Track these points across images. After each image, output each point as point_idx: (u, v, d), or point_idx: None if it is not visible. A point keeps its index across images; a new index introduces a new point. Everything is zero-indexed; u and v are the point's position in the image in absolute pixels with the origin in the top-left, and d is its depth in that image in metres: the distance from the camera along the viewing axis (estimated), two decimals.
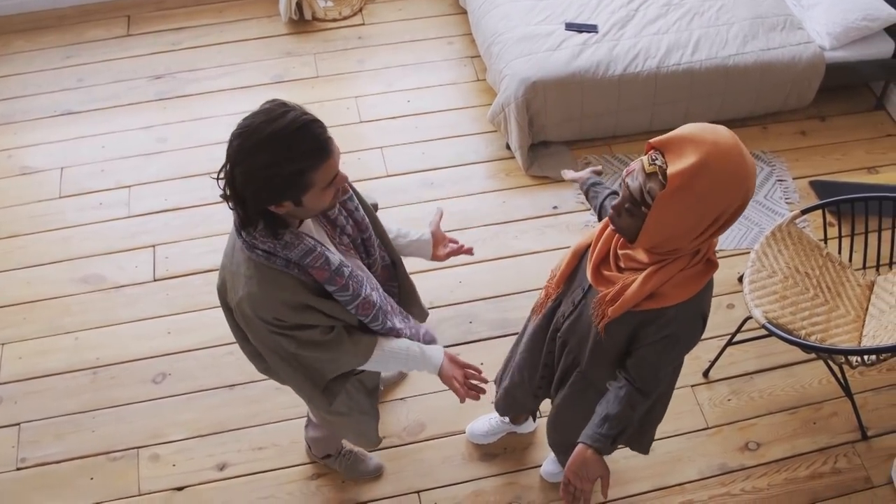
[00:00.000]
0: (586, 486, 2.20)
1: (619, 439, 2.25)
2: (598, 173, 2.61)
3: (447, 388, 2.47)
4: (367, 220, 2.32)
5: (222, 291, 2.28)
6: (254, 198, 1.92)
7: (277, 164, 1.87)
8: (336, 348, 2.24)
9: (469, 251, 2.64)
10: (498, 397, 2.98)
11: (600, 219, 2.44)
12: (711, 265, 2.06)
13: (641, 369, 2.20)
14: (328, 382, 2.37)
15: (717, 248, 3.96)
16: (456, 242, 2.65)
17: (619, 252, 2.15)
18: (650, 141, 1.92)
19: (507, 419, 3.30)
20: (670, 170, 1.85)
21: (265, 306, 2.08)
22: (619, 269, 2.16)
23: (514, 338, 3.61)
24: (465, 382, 2.47)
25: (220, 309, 2.46)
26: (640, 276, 2.07)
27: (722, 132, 1.86)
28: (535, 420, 3.23)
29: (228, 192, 1.95)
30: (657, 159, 1.89)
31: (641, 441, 2.72)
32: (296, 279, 2.09)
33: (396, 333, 2.40)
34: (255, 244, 2.03)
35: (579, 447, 2.21)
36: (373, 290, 2.28)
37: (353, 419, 2.70)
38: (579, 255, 2.35)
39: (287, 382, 2.44)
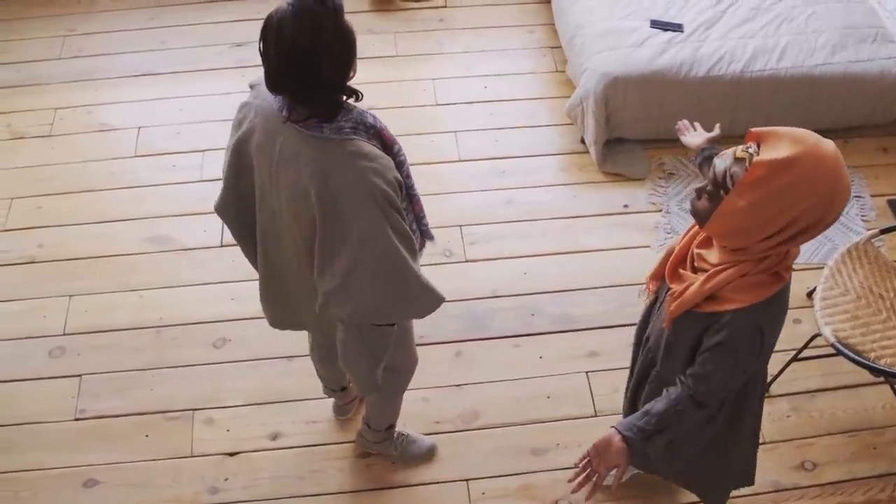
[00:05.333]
0: (600, 470, 2.19)
1: (655, 440, 2.20)
2: (716, 142, 2.49)
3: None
4: None
5: (324, 190, 2.11)
6: (341, 73, 2.02)
7: (349, 32, 2.01)
8: (414, 245, 2.22)
9: None
10: None
11: None
12: (779, 279, 2.01)
13: (696, 375, 2.17)
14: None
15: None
16: None
17: (695, 251, 2.13)
18: (752, 130, 1.91)
19: None
20: (758, 158, 1.84)
21: (386, 168, 2.10)
22: (694, 270, 2.14)
23: (574, 334, 3.61)
24: None
25: None
26: (703, 276, 2.05)
27: (827, 142, 1.84)
28: None
29: (303, 91, 2.01)
30: (751, 147, 1.88)
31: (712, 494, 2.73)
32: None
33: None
34: (342, 126, 2.08)
35: (610, 431, 2.21)
36: None
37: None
38: (670, 254, 2.33)
39: (379, 294, 2.22)
